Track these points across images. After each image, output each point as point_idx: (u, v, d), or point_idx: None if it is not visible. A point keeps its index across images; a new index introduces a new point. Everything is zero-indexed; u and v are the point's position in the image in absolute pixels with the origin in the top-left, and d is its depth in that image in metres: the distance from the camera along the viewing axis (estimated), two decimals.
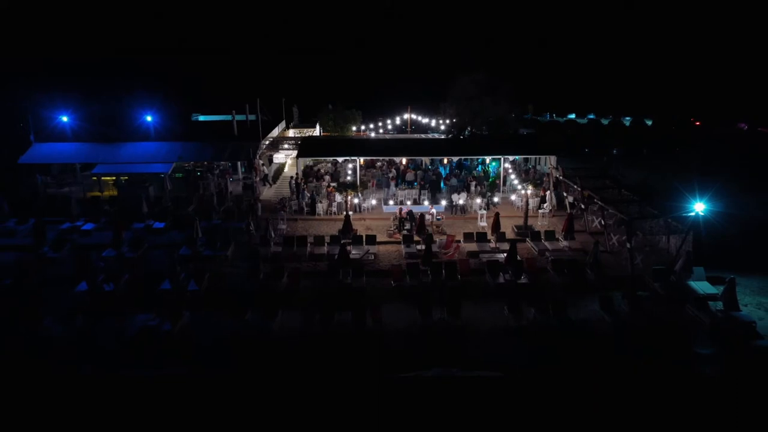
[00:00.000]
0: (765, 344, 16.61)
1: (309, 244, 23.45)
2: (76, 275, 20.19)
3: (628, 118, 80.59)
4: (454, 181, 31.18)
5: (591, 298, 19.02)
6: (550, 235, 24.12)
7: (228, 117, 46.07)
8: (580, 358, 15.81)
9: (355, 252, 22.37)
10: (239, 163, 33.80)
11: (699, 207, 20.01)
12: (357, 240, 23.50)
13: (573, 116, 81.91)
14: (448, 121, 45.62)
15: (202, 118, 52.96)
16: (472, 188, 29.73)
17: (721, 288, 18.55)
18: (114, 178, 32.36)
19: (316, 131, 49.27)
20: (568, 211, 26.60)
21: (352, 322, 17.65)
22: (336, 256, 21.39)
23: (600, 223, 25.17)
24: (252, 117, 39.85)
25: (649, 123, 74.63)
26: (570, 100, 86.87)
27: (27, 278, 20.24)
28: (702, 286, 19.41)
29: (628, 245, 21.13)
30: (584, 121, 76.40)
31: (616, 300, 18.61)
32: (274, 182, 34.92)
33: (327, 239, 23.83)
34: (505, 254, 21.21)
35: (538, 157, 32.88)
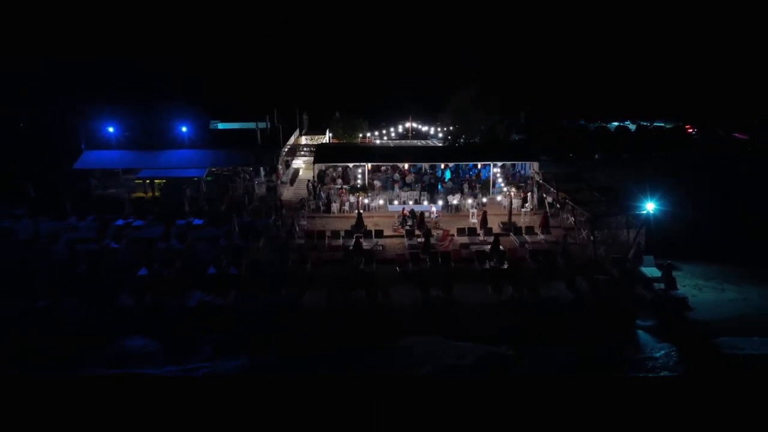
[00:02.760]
0: (694, 316, 20.51)
1: (327, 238, 27.24)
2: (139, 262, 24.12)
3: (615, 123, 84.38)
4: (450, 183, 35.03)
5: (559, 281, 22.88)
6: (530, 230, 27.97)
7: (244, 124, 49.94)
8: (546, 327, 19.74)
9: (366, 244, 26.17)
10: (261, 167, 37.62)
11: (650, 206, 23.98)
12: (367, 234, 27.30)
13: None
14: (445, 129, 49.49)
15: (221, 125, 56.65)
16: (465, 190, 33.56)
17: None
18: (149, 180, 36.10)
19: (326, 138, 53.14)
20: (547, 209, 30.40)
21: (366, 299, 21.59)
22: (351, 247, 25.27)
23: (572, 220, 29.00)
24: (264, 125, 43.53)
25: (633, 128, 78.52)
26: (565, 106, 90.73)
27: (98, 265, 24.15)
28: (650, 271, 23.29)
29: (591, 238, 25.01)
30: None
31: (579, 282, 22.50)
32: (292, 185, 38.79)
33: (342, 233, 27.59)
34: (491, 245, 25.13)
35: (523, 162, 36.61)
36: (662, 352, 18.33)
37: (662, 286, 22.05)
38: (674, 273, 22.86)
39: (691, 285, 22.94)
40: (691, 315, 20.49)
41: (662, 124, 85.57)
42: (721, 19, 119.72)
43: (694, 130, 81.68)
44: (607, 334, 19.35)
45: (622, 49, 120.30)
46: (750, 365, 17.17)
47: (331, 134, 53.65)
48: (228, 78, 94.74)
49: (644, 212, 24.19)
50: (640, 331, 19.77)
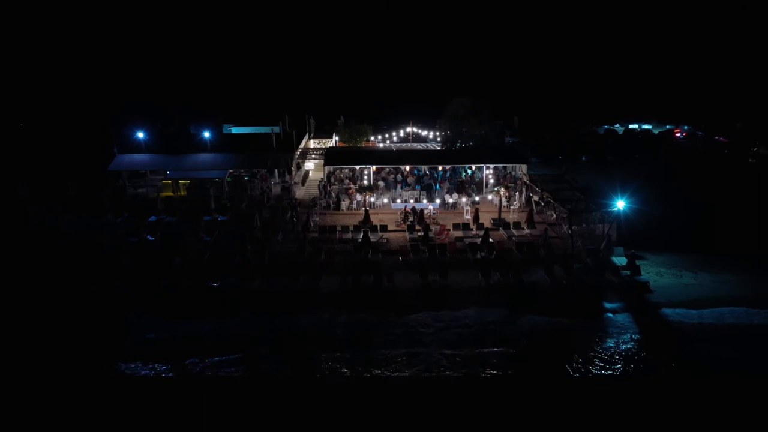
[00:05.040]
0: (653, 297, 23.55)
1: (338, 232, 30.24)
2: (173, 253, 27.16)
3: (605, 126, 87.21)
4: (447, 184, 38.04)
5: (540, 268, 25.90)
6: (517, 224, 30.97)
7: (256, 129, 52.84)
8: (524, 305, 22.83)
9: (372, 237, 29.15)
10: (276, 169, 40.66)
11: (620, 204, 27.00)
12: (373, 228, 30.28)
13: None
14: (442, 133, 52.54)
15: (234, 130, 59.50)
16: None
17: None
18: (172, 181, 39.06)
19: (332, 142, 56.15)
20: (533, 207, 33.37)
21: (373, 284, 24.64)
22: (359, 240, 28.31)
23: (554, 216, 32.00)
24: (277, 129, 46.40)
25: (621, 131, 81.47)
26: (559, 110, 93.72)
27: (139, 255, 27.22)
28: (619, 260, 26.27)
29: (569, 231, 28.04)
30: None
31: (557, 270, 25.53)
32: (303, 185, 41.82)
33: (351, 228, 30.51)
34: (482, 238, 28.14)
35: (513, 165, 39.60)
36: (623, 325, 21.42)
37: (628, 272, 25.10)
38: (641, 262, 25.96)
39: (654, 272, 25.97)
40: (651, 297, 23.56)
41: (650, 127, 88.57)
42: (711, 24, 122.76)
43: (681, 134, 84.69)
44: (578, 311, 22.38)
45: (617, 55, 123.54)
46: (693, 334, 20.22)
47: (337, 138, 56.66)
48: (233, 82, 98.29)
49: (615, 209, 27.21)
50: (606, 310, 22.83)
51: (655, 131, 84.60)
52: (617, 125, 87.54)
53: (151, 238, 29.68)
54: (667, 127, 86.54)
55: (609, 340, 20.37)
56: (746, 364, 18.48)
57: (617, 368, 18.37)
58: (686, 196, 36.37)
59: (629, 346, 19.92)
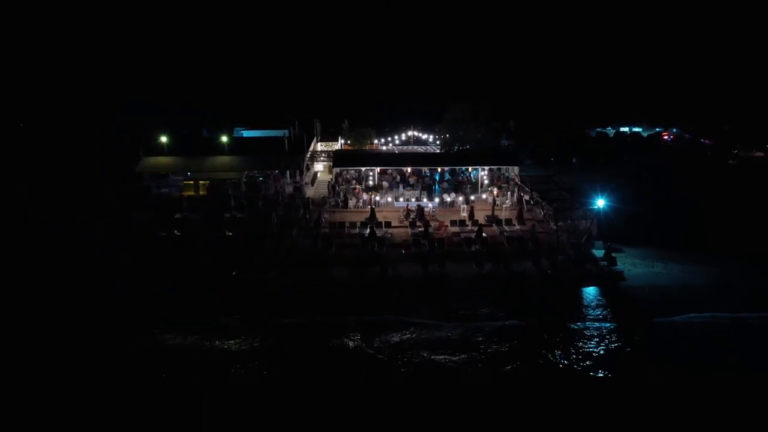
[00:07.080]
0: (626, 284, 26.29)
1: (346, 228, 32.91)
2: (198, 248, 29.86)
3: (598, 129, 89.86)
4: (445, 184, 40.72)
5: (528, 260, 28.60)
6: (508, 221, 33.63)
7: (266, 132, 55.32)
8: (514, 292, 25.54)
9: (378, 232, 31.84)
10: (288, 170, 43.32)
11: (600, 202, 29.72)
12: (379, 225, 32.91)
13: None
14: (441, 137, 55.27)
15: (245, 133, 61.94)
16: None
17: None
18: (193, 182, 41.70)
19: (338, 144, 58.84)
20: (523, 205, 36.02)
21: (379, 274, 27.34)
22: (366, 235, 31.01)
23: (542, 213, 34.68)
24: (287, 133, 48.93)
25: (611, 134, 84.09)
26: (556, 113, 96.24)
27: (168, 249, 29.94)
28: (599, 253, 28.98)
29: (554, 227, 30.74)
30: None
31: (542, 261, 28.23)
32: (312, 185, 44.50)
33: (358, 224, 33.18)
34: (476, 233, 30.85)
35: (506, 166, 42.23)
36: (597, 306, 24.25)
37: (606, 263, 27.82)
38: (618, 254, 28.78)
39: (630, 263, 28.67)
40: (624, 284, 26.30)
41: (639, 130, 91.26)
42: (706, 27, 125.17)
43: (669, 136, 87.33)
44: (559, 297, 25.14)
45: (613, 58, 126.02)
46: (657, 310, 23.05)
47: (343, 141, 59.37)
48: (236, 86, 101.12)
49: (596, 207, 29.93)
50: (584, 294, 25.62)
51: (645, 134, 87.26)
52: (609, 128, 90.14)
53: (178, 233, 32.42)
54: (657, 129, 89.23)
55: (585, 313, 23.34)
56: None
57: (593, 338, 21.30)
58: (668, 195, 39.04)
59: (598, 314, 23.25)
